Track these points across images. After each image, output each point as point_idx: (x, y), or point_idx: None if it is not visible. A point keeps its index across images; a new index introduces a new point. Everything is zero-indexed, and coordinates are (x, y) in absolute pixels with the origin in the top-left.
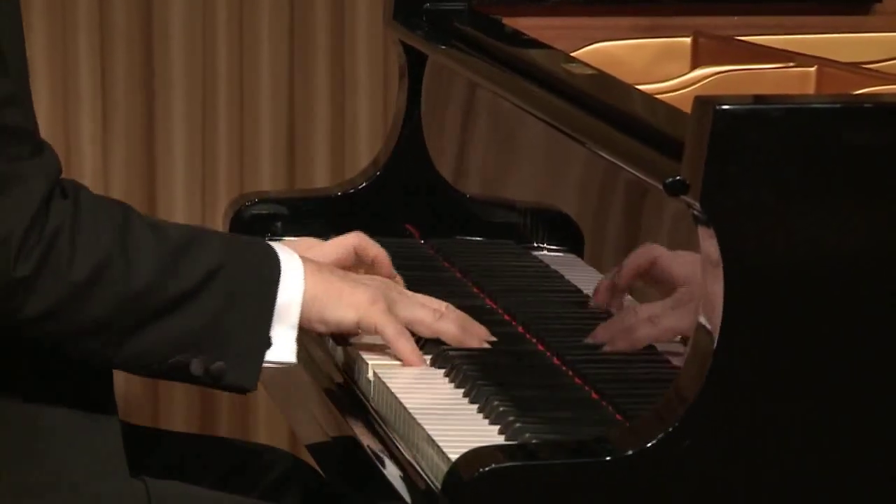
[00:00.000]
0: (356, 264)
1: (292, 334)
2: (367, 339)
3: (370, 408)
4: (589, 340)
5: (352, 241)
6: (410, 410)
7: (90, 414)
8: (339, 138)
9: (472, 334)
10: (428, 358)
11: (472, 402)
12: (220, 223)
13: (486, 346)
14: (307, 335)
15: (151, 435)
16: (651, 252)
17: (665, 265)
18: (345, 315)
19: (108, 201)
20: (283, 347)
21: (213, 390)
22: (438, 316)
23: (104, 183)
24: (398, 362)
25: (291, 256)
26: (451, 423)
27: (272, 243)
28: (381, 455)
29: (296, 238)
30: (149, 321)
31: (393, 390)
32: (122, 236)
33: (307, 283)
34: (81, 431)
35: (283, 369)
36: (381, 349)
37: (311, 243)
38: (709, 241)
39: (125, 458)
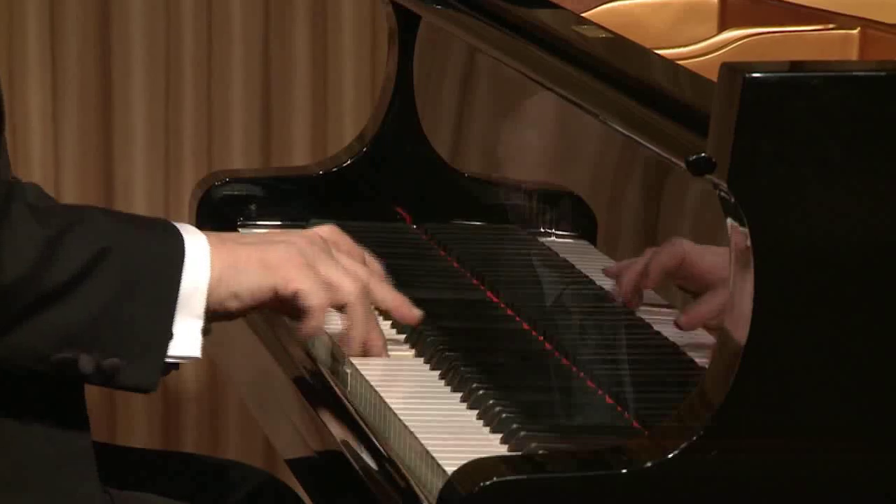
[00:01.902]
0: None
1: (197, 325)
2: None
3: (358, 417)
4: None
5: (326, 233)
6: (403, 419)
7: (59, 418)
8: (321, 110)
9: (400, 299)
10: (420, 357)
11: (470, 407)
12: (185, 206)
13: (417, 313)
14: (285, 331)
15: (107, 450)
16: (678, 250)
17: (694, 263)
18: (257, 282)
19: None
20: (186, 340)
21: (176, 402)
22: (362, 283)
23: (54, 160)
24: (389, 366)
25: (196, 237)
26: (447, 431)
27: (179, 224)
28: (370, 470)
29: (256, 234)
30: (25, 316)
31: (384, 397)
32: None
33: (213, 260)
34: (50, 436)
35: (263, 375)
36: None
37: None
38: (737, 227)
39: (95, 465)
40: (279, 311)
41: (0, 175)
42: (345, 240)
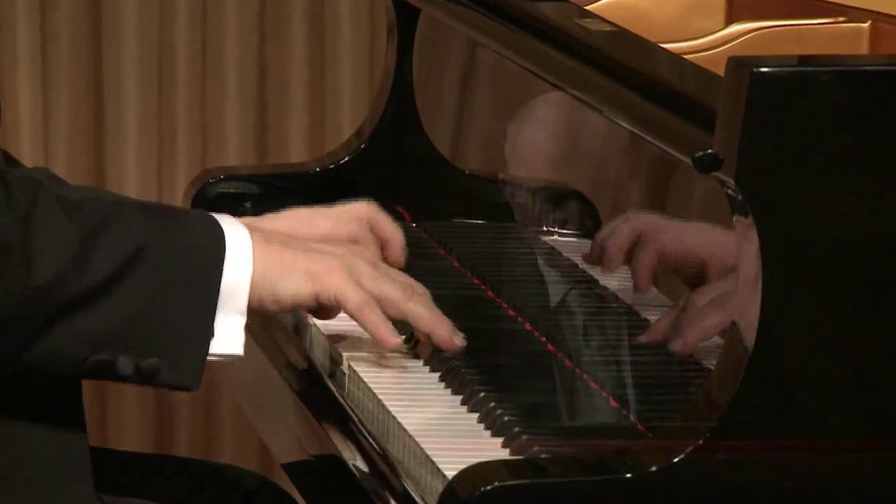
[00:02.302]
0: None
1: (240, 322)
2: (349, 329)
3: (356, 420)
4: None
5: (364, 212)
6: (402, 422)
7: (56, 419)
8: (318, 106)
9: (444, 323)
10: (420, 360)
11: (471, 410)
12: (178, 204)
13: (458, 342)
14: (281, 332)
15: (99, 454)
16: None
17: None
18: (300, 287)
19: (18, 178)
20: (229, 338)
21: (169, 404)
22: (410, 294)
23: (44, 157)
24: (388, 368)
25: (237, 228)
26: (447, 435)
27: (217, 215)
28: (369, 474)
29: (285, 211)
30: (59, 318)
31: (382, 399)
32: (25, 220)
33: (256, 257)
34: (47, 438)
35: (259, 376)
36: (368, 351)
37: (306, 216)
38: (745, 226)
39: (90, 468)
40: (314, 314)
41: None
42: (386, 220)
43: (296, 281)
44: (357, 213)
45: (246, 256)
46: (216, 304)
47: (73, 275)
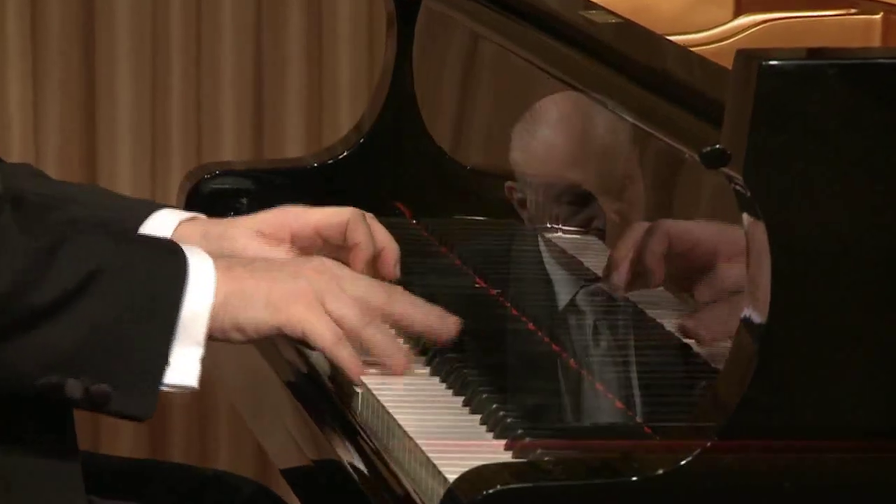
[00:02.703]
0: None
1: (196, 353)
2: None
3: (356, 422)
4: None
5: (346, 215)
6: (402, 424)
7: (48, 433)
8: (316, 99)
9: (395, 353)
10: (421, 359)
11: (473, 411)
12: (173, 200)
13: (404, 371)
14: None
15: (90, 459)
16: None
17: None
18: (263, 318)
19: None
20: (183, 369)
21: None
22: (368, 320)
23: (34, 149)
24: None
25: (201, 258)
26: (448, 437)
27: (185, 245)
28: (369, 478)
29: (273, 209)
30: (8, 334)
31: (382, 401)
32: None
33: (218, 286)
34: (39, 449)
35: (255, 378)
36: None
37: (292, 214)
38: (753, 223)
39: (80, 475)
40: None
41: None
42: (363, 231)
43: (259, 311)
44: (348, 209)
45: (207, 285)
46: (174, 333)
47: (25, 292)
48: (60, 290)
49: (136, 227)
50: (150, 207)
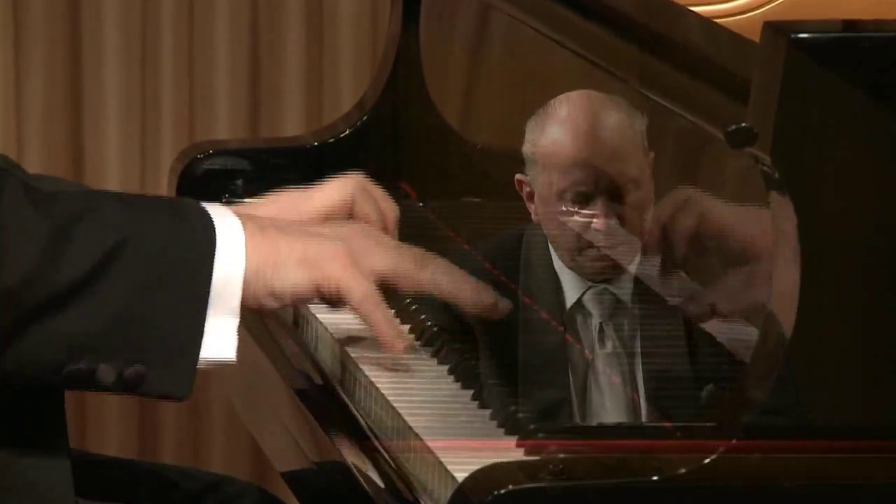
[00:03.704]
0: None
1: (232, 322)
2: (349, 320)
3: (360, 420)
4: None
5: (356, 183)
6: (407, 420)
7: (38, 432)
8: (315, 74)
9: (470, 287)
10: (428, 352)
11: (482, 406)
12: (163, 181)
13: (490, 304)
14: (278, 324)
15: (79, 459)
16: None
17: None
18: (298, 279)
19: None
20: (220, 341)
21: (153, 404)
22: (425, 263)
23: (16, 128)
24: (392, 362)
25: (229, 218)
26: (457, 433)
27: (206, 203)
28: (374, 479)
29: (272, 195)
30: (32, 322)
31: (387, 396)
32: None
33: (248, 250)
34: (28, 453)
35: (252, 372)
36: (371, 344)
37: (294, 197)
38: (782, 206)
39: (70, 475)
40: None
41: None
42: (371, 200)
43: (293, 272)
44: (350, 183)
45: (238, 249)
46: (207, 303)
47: (46, 274)
48: (83, 268)
49: None
50: None
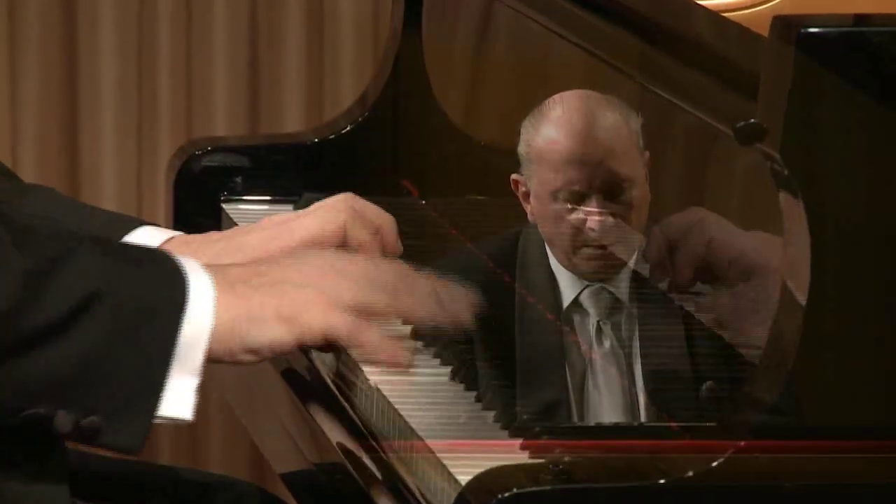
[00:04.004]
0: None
1: (192, 382)
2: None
3: (360, 421)
4: None
5: (346, 203)
6: (409, 421)
7: (33, 435)
8: (316, 69)
9: (452, 307)
10: (430, 352)
11: (486, 408)
12: (160, 179)
13: (466, 320)
14: None
15: (76, 460)
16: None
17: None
18: (276, 335)
19: None
20: (179, 400)
21: None
22: (392, 296)
23: (11, 126)
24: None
25: (198, 274)
26: (459, 434)
27: (180, 257)
28: (375, 482)
29: (261, 223)
30: None
31: (388, 397)
32: None
33: (218, 307)
34: (24, 455)
35: (250, 372)
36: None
37: (284, 224)
38: (792, 205)
39: (68, 484)
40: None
41: None
42: (359, 226)
43: (270, 328)
44: (341, 209)
45: (207, 308)
46: (170, 362)
47: (18, 316)
48: (55, 314)
49: None
50: (129, 225)
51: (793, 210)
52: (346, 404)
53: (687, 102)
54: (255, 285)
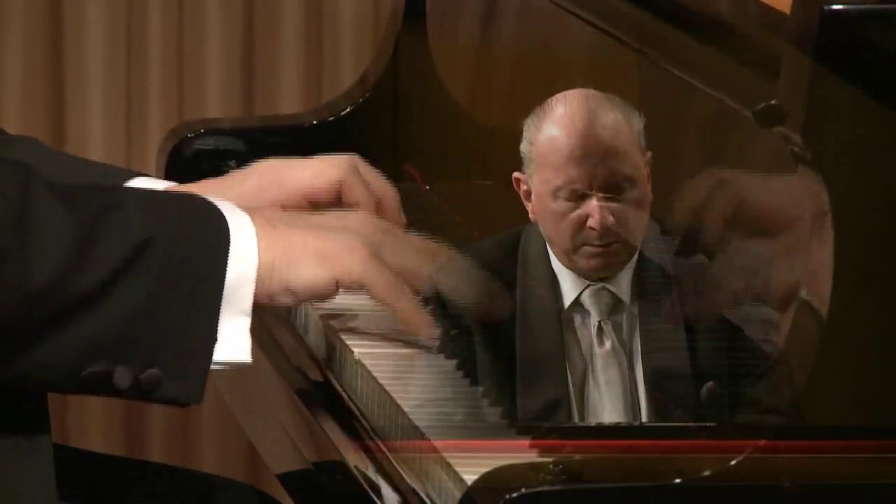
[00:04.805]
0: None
1: (245, 323)
2: (349, 308)
3: (362, 418)
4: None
5: (338, 172)
6: (413, 419)
7: (21, 429)
8: (314, 48)
9: (422, 321)
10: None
11: (493, 404)
12: (151, 163)
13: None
14: (275, 318)
15: (63, 454)
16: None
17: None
18: (316, 275)
19: (5, 165)
20: (234, 342)
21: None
22: (441, 264)
23: None
24: (396, 357)
25: (239, 216)
26: (465, 433)
27: (216, 200)
28: (377, 482)
29: (252, 167)
30: (52, 325)
31: (391, 392)
32: (18, 214)
33: (260, 247)
34: (10, 449)
35: (244, 372)
36: (374, 337)
37: (276, 169)
38: (814, 189)
39: (55, 482)
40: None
41: None
42: (360, 183)
43: (310, 267)
44: (341, 164)
45: (250, 248)
46: (219, 306)
47: (72, 276)
48: (107, 270)
49: None
50: (123, 175)
51: (816, 197)
52: (348, 402)
53: (704, 82)
54: (294, 224)
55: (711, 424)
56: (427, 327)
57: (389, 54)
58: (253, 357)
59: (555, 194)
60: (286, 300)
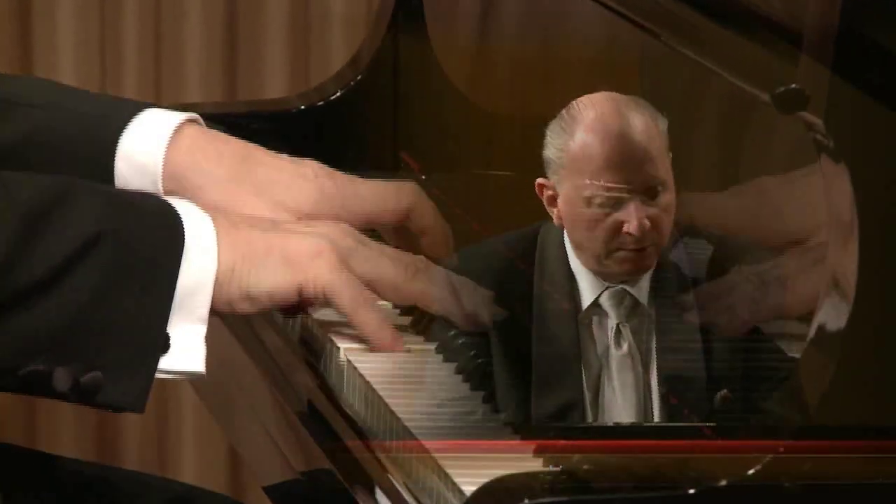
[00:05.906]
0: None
1: (199, 331)
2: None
3: (355, 425)
4: None
5: (408, 198)
6: (409, 424)
7: None
8: (301, 28)
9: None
10: (431, 347)
11: (495, 409)
12: None
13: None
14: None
15: (26, 457)
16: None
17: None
18: (279, 280)
19: None
20: (187, 351)
21: None
22: (413, 272)
23: None
24: (391, 357)
25: (198, 216)
26: (465, 438)
27: (174, 200)
28: (370, 491)
29: (314, 169)
30: None
31: (385, 398)
32: None
33: (221, 249)
34: None
35: (229, 369)
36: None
37: (339, 199)
38: (837, 179)
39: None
40: (296, 310)
41: None
42: (430, 210)
43: (273, 272)
44: (410, 191)
45: (209, 251)
46: (168, 310)
47: (14, 269)
48: (50, 266)
49: (116, 138)
50: (133, 109)
51: (838, 188)
52: (339, 408)
53: (720, 65)
54: (258, 227)
55: (711, 425)
56: (393, 343)
57: (383, 34)
58: (234, 358)
59: (589, 200)
60: (244, 307)
